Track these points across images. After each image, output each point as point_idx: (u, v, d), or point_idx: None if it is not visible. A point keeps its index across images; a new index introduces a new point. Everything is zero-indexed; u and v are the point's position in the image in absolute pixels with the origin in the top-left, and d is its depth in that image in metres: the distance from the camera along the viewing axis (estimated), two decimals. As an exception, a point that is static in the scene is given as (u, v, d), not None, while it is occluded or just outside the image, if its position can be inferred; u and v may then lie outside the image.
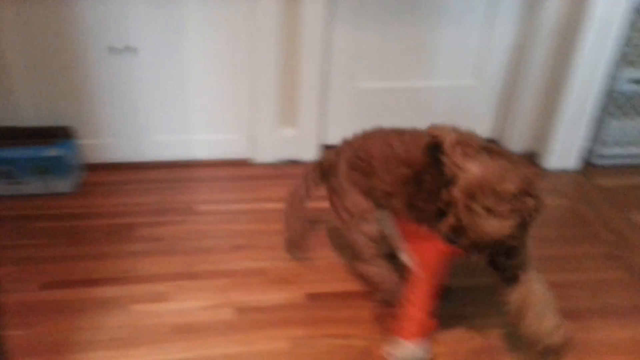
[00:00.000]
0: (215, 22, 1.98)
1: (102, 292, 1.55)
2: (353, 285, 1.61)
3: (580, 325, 1.50)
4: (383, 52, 2.20)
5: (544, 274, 1.65)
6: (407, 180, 1.35)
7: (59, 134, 2.00)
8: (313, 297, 1.57)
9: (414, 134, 1.42)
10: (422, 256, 1.33)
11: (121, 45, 1.96)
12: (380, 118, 2.30)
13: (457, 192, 1.16)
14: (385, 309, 1.48)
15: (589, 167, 2.30)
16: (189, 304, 1.53)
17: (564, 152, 2.27)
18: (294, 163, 2.25)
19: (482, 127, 2.42)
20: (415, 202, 1.35)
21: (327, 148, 2.15)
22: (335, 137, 2.32)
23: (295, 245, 1.72)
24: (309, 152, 2.25)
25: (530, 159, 2.33)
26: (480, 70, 2.29)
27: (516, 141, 2.36)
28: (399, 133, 1.44)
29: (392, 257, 1.54)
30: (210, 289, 1.58)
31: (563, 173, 2.26)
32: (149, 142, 2.16)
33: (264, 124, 2.16)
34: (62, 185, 1.97)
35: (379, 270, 1.49)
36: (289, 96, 2.13)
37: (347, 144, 1.54)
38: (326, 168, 1.57)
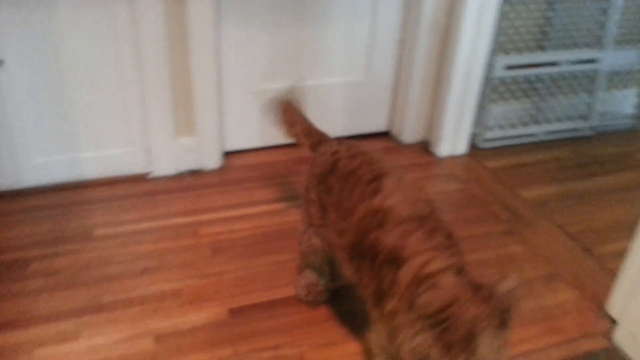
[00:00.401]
0: (94, 27, 1.83)
1: (-3, 341, 1.38)
2: (274, 294, 1.58)
3: (492, 302, 1.59)
4: (276, 53, 2.17)
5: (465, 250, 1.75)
6: (346, 244, 1.22)
7: None
8: (235, 312, 1.52)
9: (364, 191, 1.21)
10: None
11: (-15, 60, 1.76)
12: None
13: (404, 276, 0.99)
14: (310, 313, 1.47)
15: (476, 151, 2.45)
16: (101, 339, 1.40)
17: (453, 139, 2.39)
18: (195, 173, 2.16)
19: (377, 121, 2.49)
20: (355, 267, 1.20)
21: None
22: (236, 142, 2.29)
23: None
24: (211, 160, 2.17)
25: (424, 148, 2.44)
26: (370, 66, 2.35)
27: (409, 132, 2.45)
28: (357, 178, 1.24)
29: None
30: (123, 320, 1.46)
31: (454, 159, 2.39)
32: (28, 165, 1.96)
33: (159, 134, 2.05)
34: None
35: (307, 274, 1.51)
36: (184, 103, 2.04)
37: (333, 152, 1.37)
38: (315, 149, 1.49)
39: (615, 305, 1.52)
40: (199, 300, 1.55)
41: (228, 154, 2.28)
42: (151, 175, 2.11)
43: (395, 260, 1.03)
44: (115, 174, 2.08)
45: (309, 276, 1.54)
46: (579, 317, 1.55)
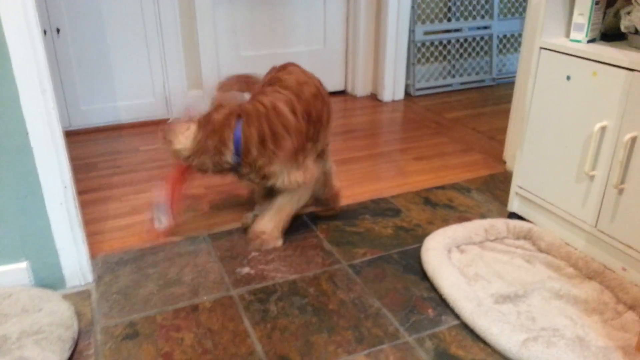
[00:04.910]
0: (128, 4, 2.53)
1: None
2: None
3: (431, 161, 2.34)
4: (255, 27, 2.92)
5: (405, 145, 2.49)
6: None
7: None
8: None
9: None
10: None
11: (46, 27, 2.40)
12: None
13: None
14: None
15: (410, 97, 3.25)
16: (166, 190, 2.05)
17: (393, 89, 3.18)
18: (202, 119, 2.83)
19: (335, 82, 3.26)
20: None
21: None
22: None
23: None
24: (213, 109, 2.85)
25: (373, 98, 3.21)
26: (326, 37, 3.13)
27: (361, 88, 3.23)
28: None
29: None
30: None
31: (395, 102, 3.17)
32: (77, 111, 2.59)
33: (176, 87, 2.72)
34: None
35: None
36: (193, 63, 2.74)
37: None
38: None
39: (506, 152, 2.29)
40: (227, 173, 2.20)
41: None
42: (170, 121, 2.77)
43: None
44: (143, 119, 2.73)
45: None
46: (485, 164, 2.31)
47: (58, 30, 2.43)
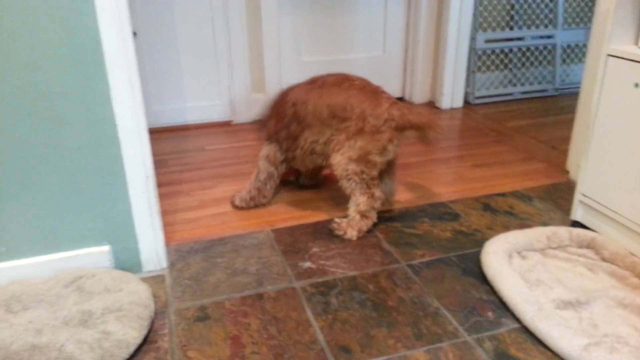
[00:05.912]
0: (199, 12, 2.66)
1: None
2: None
3: (491, 169, 2.34)
4: (316, 33, 3.00)
5: (464, 152, 2.50)
6: None
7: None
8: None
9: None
10: None
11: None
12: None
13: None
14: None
15: (469, 105, 3.24)
16: (229, 187, 2.14)
17: (452, 96, 3.19)
18: (264, 121, 2.93)
19: (393, 88, 3.30)
20: None
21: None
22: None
23: None
24: (275, 112, 2.94)
25: (431, 105, 3.23)
26: (385, 45, 3.18)
27: (418, 94, 3.25)
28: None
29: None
30: (242, 181, 2.20)
31: (454, 109, 3.18)
32: (149, 111, 2.73)
33: (240, 90, 2.84)
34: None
35: None
36: (258, 68, 2.84)
37: None
38: None
39: (569, 162, 2.26)
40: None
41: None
42: (234, 122, 2.88)
43: None
44: (209, 120, 2.85)
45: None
46: (547, 173, 2.29)
47: (135, 34, 2.58)
